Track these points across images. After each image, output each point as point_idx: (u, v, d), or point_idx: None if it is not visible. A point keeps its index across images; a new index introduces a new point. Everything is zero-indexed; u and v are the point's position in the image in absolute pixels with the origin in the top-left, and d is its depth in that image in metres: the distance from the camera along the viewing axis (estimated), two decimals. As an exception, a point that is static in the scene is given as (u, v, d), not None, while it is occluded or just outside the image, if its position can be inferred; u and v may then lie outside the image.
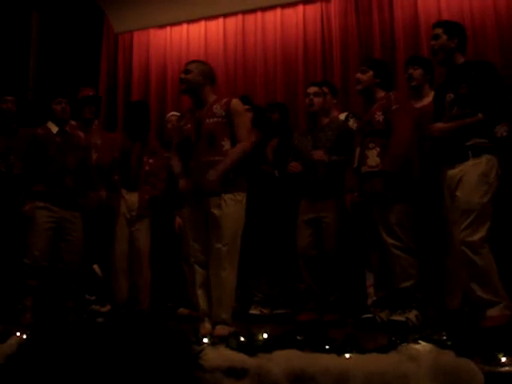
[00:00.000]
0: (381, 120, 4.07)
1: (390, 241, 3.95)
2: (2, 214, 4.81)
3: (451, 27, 3.87)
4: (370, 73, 4.21)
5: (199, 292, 3.84)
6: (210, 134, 3.77)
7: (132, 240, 4.80)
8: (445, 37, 3.82)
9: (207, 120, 3.81)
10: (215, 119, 3.80)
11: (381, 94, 4.19)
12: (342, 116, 4.91)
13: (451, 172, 3.71)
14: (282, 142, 4.92)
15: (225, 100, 3.87)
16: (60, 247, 4.57)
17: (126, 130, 5.04)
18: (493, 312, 3.47)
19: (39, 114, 5.04)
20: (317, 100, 4.56)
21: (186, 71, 3.93)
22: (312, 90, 4.61)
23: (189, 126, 3.91)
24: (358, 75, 4.26)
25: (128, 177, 4.82)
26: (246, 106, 4.80)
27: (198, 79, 3.89)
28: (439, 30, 3.85)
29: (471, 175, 3.61)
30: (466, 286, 3.65)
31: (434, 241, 4.12)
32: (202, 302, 3.83)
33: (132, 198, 4.81)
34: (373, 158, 4.06)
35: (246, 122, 3.98)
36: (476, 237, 3.55)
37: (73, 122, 5.13)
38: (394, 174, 3.95)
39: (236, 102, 3.88)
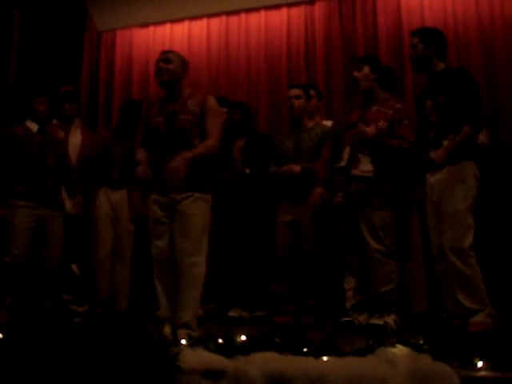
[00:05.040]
0: (383, 129, 3.99)
1: (375, 245, 3.93)
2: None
3: (427, 35, 3.85)
4: (367, 68, 4.12)
5: (160, 295, 3.66)
6: (183, 130, 3.58)
7: (116, 239, 4.78)
8: (421, 46, 3.80)
9: (181, 116, 3.61)
10: (190, 116, 3.60)
11: (381, 95, 4.14)
12: (328, 123, 4.86)
13: (431, 178, 3.72)
14: (250, 141, 4.93)
15: (200, 97, 3.70)
16: (40, 245, 4.53)
17: (113, 128, 5.02)
18: (476, 319, 3.48)
19: (18, 112, 4.99)
20: (297, 103, 4.53)
21: (166, 60, 3.69)
22: (293, 92, 4.58)
23: (160, 119, 3.67)
24: (355, 73, 4.14)
25: (110, 175, 4.79)
26: (224, 109, 4.78)
27: (178, 70, 3.70)
28: (416, 40, 3.84)
29: (449, 182, 3.61)
30: (449, 293, 3.64)
31: (397, 245, 4.10)
32: (163, 303, 3.66)
33: (116, 196, 4.79)
34: (366, 163, 4.00)
35: (220, 122, 3.78)
36: (463, 245, 3.54)
37: (55, 121, 5.10)
38: (387, 182, 3.97)
39: (212, 100, 3.71)
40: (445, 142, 3.64)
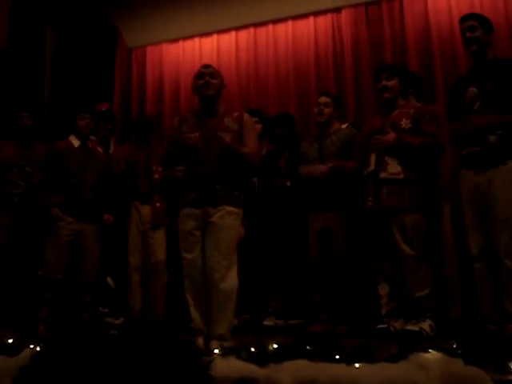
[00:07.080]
0: (407, 128, 4.01)
1: (408, 250, 3.89)
2: (19, 227, 4.83)
3: (486, 21, 3.79)
4: (396, 80, 4.15)
5: (192, 308, 3.65)
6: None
7: (148, 251, 4.81)
8: (481, 29, 3.73)
9: (219, 133, 3.63)
10: (229, 133, 3.64)
11: (401, 102, 4.16)
12: (344, 126, 4.87)
13: (475, 178, 3.61)
14: (293, 153, 4.93)
15: (236, 114, 3.73)
16: (77, 259, 4.62)
17: (132, 141, 5.09)
18: None
19: (60, 128, 5.11)
20: (327, 110, 4.58)
21: (212, 75, 3.70)
22: (323, 100, 4.62)
23: (196, 134, 3.67)
24: (384, 82, 4.14)
25: (138, 188, 4.84)
26: (255, 118, 4.81)
27: (221, 86, 3.74)
28: (474, 22, 3.75)
29: (501, 184, 3.49)
30: (486, 297, 3.59)
31: (430, 249, 4.05)
32: (195, 317, 3.64)
33: (145, 211, 4.83)
34: (394, 165, 3.98)
35: (256, 136, 3.84)
36: None
37: (93, 137, 5.20)
38: (417, 183, 3.94)
39: (248, 117, 3.77)
40: (492, 138, 3.54)
